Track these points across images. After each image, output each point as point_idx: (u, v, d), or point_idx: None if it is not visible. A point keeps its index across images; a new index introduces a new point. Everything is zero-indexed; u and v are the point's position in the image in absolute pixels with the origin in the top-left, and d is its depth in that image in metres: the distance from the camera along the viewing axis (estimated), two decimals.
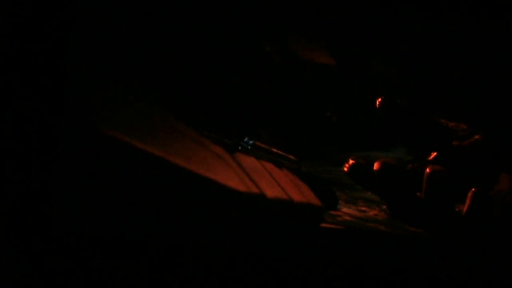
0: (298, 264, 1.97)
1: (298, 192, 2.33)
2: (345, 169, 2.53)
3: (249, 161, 2.04)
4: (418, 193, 2.55)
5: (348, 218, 3.03)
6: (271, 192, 2.01)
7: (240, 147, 2.66)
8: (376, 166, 2.40)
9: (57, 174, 1.47)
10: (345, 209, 3.26)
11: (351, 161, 2.52)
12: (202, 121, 3.05)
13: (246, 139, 2.87)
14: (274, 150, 3.11)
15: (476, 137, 2.78)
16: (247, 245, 1.84)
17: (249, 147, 2.83)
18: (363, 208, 3.42)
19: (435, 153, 2.84)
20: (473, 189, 2.54)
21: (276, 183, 2.14)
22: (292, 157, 3.31)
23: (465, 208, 2.54)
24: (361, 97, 4.04)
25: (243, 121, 4.05)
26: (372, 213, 3.35)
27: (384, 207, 3.11)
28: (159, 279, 1.67)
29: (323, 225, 2.60)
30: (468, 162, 2.81)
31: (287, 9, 4.19)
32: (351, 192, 3.55)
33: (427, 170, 2.47)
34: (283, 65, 4.43)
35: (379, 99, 2.70)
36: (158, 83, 2.90)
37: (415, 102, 2.83)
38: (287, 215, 2.11)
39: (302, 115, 4.27)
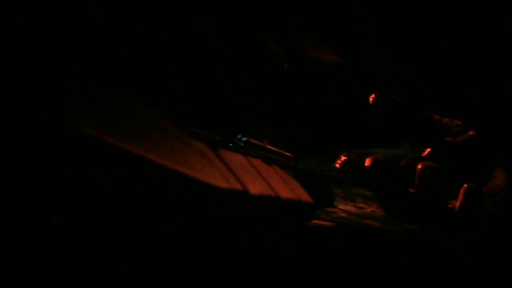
0: (283, 260, 1.97)
1: (286, 188, 2.33)
2: (337, 165, 2.53)
3: (235, 158, 2.04)
4: (411, 189, 2.55)
5: (343, 214, 3.03)
6: (255, 188, 2.01)
7: (231, 144, 2.67)
8: (367, 162, 2.40)
9: (36, 172, 1.47)
10: (342, 206, 3.26)
11: (343, 158, 2.52)
12: (197, 118, 3.06)
13: (239, 136, 2.87)
14: (269, 147, 3.11)
15: (471, 133, 2.77)
16: (232, 241, 1.84)
17: (242, 144, 2.83)
18: (361, 205, 3.42)
19: (429, 149, 2.83)
20: (465, 185, 2.53)
21: (263, 180, 2.14)
22: (288, 154, 3.31)
23: (458, 204, 2.54)
24: (366, 94, 4.04)
25: (244, 118, 4.06)
26: (369, 209, 3.35)
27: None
28: (140, 277, 1.67)
29: (315, 221, 2.60)
30: (462, 158, 2.80)
31: (293, 7, 4.19)
32: (349, 189, 3.55)
33: (419, 166, 2.47)
34: (288, 63, 4.44)
35: (373, 95, 2.70)
36: (149, 80, 2.91)
37: (408, 98, 2.82)
38: (273, 211, 2.10)
39: (305, 113, 4.27)
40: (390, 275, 2.27)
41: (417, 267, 2.40)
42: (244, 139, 2.91)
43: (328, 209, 3.17)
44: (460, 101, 3.43)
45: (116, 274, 1.81)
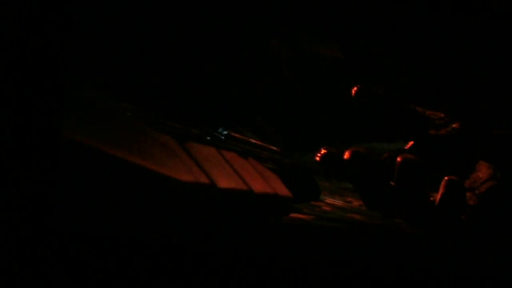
0: (254, 256, 1.95)
1: (262, 182, 2.31)
2: (317, 158, 2.51)
3: (205, 151, 2.02)
4: (392, 182, 2.52)
5: (328, 208, 3.02)
6: (225, 182, 1.98)
7: (209, 137, 2.65)
8: (346, 155, 2.38)
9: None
10: (329, 200, 3.25)
11: (323, 151, 2.50)
12: (177, 111, 3.05)
13: (220, 129, 2.85)
14: (253, 140, 3.09)
15: (454, 125, 2.75)
16: (199, 237, 1.82)
17: (223, 137, 2.82)
18: (349, 199, 3.40)
19: (412, 142, 2.81)
20: (446, 178, 2.51)
21: (235, 173, 2.12)
22: (274, 148, 3.30)
23: (438, 197, 2.51)
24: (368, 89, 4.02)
25: (236, 110, 4.05)
26: (357, 203, 3.33)
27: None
28: (101, 277, 1.65)
29: (293, 215, 2.58)
30: (445, 151, 2.78)
31: (294, 3, 4.18)
32: (339, 183, 3.53)
33: (398, 159, 2.45)
34: (288, 57, 4.42)
35: (355, 88, 2.67)
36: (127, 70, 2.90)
37: (392, 91, 2.80)
38: (245, 205, 2.08)
39: (305, 107, 4.25)
40: (365, 271, 2.25)
41: (397, 262, 2.38)
42: (225, 132, 2.90)
43: (314, 203, 3.16)
44: (445, 93, 3.40)
45: (83, 272, 1.79)
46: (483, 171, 2.73)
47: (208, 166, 2.00)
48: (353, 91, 2.78)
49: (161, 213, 1.82)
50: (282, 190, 2.48)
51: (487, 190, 2.65)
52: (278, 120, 4.20)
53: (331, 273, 2.08)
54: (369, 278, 2.13)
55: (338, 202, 3.14)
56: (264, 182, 2.35)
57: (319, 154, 2.64)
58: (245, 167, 2.29)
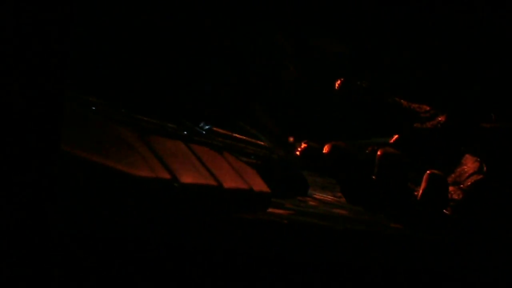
0: (218, 252, 1.92)
1: (235, 177, 2.28)
2: (297, 153, 2.47)
3: (170, 145, 1.99)
4: (373, 177, 2.48)
5: (314, 203, 2.97)
6: (189, 177, 1.95)
7: (186, 132, 2.62)
8: (325, 149, 2.33)
9: None
10: (318, 195, 3.20)
11: (303, 145, 2.45)
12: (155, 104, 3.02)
13: (201, 124, 2.82)
14: (237, 135, 3.06)
15: (440, 118, 2.69)
16: (160, 233, 1.79)
17: (204, 132, 2.78)
18: (339, 194, 3.34)
19: (396, 136, 2.76)
20: (428, 172, 2.46)
21: (203, 168, 2.09)
22: (262, 143, 3.26)
23: (420, 191, 2.46)
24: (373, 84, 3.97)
25: (233, 102, 4.02)
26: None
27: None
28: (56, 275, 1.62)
29: (270, 211, 2.54)
30: (431, 144, 2.73)
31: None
32: (331, 179, 3.47)
33: (378, 152, 2.40)
34: (293, 53, 4.39)
35: (338, 81, 2.63)
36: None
37: (376, 84, 2.75)
38: (212, 201, 2.05)
39: (308, 101, 4.21)
40: (332, 268, 2.21)
41: (370, 259, 2.33)
42: (207, 127, 2.86)
43: (301, 198, 3.11)
44: (431, 86, 3.35)
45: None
46: (469, 164, 2.68)
47: (172, 160, 1.97)
48: (337, 84, 2.73)
49: (121, 209, 1.78)
50: (259, 185, 2.44)
51: (472, 184, 2.60)
52: (280, 113, 4.16)
53: (296, 270, 2.04)
54: (334, 275, 2.08)
55: (327, 197, 3.10)
56: (238, 177, 2.32)
57: (299, 148, 2.60)
58: (217, 162, 2.26)
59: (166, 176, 1.83)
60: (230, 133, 2.94)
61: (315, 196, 3.16)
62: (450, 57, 3.37)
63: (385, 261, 2.29)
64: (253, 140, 3.12)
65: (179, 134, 2.39)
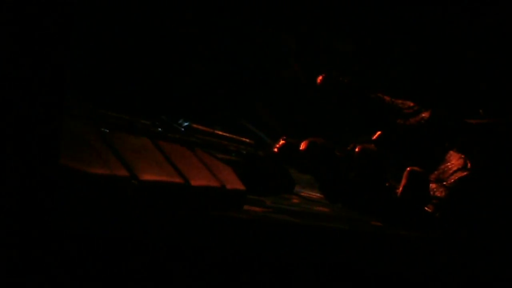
0: (184, 250, 1.87)
1: (206, 175, 2.23)
2: (275, 150, 2.42)
3: (133, 142, 1.95)
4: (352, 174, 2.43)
5: (297, 201, 2.93)
6: (151, 174, 1.91)
7: (160, 129, 2.58)
8: (302, 146, 2.29)
9: None
10: (305, 193, 3.15)
11: (281, 142, 2.41)
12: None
13: (180, 121, 2.78)
14: (219, 132, 3.01)
15: (423, 114, 2.64)
16: (116, 232, 1.75)
17: (182, 129, 2.74)
18: None
19: (379, 132, 2.71)
20: (408, 168, 2.40)
21: (170, 165, 2.05)
22: (247, 140, 3.21)
23: (400, 188, 2.41)
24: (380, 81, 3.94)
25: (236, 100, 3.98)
26: None
27: None
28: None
29: (252, 208, 2.50)
30: (414, 141, 2.67)
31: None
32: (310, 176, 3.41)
33: (356, 149, 2.35)
34: (299, 51, 4.35)
35: (320, 77, 2.58)
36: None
37: (359, 79, 2.70)
38: (178, 199, 2.00)
39: (309, 99, 4.17)
40: (298, 265, 2.16)
41: (338, 258, 2.29)
42: (186, 124, 2.82)
43: (286, 195, 3.07)
44: (415, 82, 3.30)
45: None
46: (453, 161, 2.62)
47: (133, 158, 1.93)
48: (318, 80, 2.68)
49: (76, 206, 1.74)
50: (233, 183, 2.39)
51: (456, 181, 2.54)
52: (282, 111, 4.12)
53: (262, 267, 1.99)
54: (305, 273, 2.04)
55: (313, 195, 3.05)
56: (209, 174, 2.27)
57: (277, 145, 2.55)
58: (186, 159, 2.22)
59: (124, 173, 1.78)
60: (211, 130, 2.89)
61: (301, 193, 3.11)
62: (438, 54, 3.31)
63: (360, 259, 2.23)
64: (238, 138, 3.07)
65: (150, 131, 2.34)
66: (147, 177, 1.94)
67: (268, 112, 4.30)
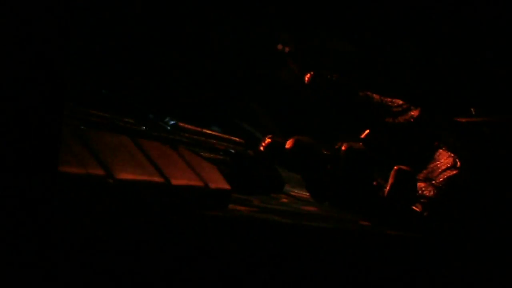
0: (160, 249, 1.85)
1: (189, 174, 2.20)
2: (261, 148, 2.39)
3: (111, 141, 1.92)
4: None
5: (286, 200, 2.90)
6: (129, 173, 1.88)
7: (145, 127, 2.55)
8: (288, 144, 2.26)
9: None
10: (295, 192, 3.12)
11: (267, 140, 2.38)
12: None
13: (167, 119, 2.75)
14: (208, 131, 2.99)
15: (412, 113, 2.60)
16: (92, 231, 1.72)
17: (168, 127, 2.71)
18: None
19: (367, 131, 2.68)
20: (395, 167, 2.37)
21: (149, 164, 2.02)
22: (238, 139, 3.18)
23: (387, 187, 2.38)
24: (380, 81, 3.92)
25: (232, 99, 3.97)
26: None
27: None
28: None
29: (238, 207, 2.47)
30: (403, 140, 2.64)
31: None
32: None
33: (342, 147, 2.32)
34: (297, 52, 4.32)
35: (308, 75, 2.55)
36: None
37: (348, 77, 2.67)
38: (157, 198, 1.98)
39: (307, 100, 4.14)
40: (279, 264, 2.13)
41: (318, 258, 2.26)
42: (172, 122, 2.79)
43: (274, 195, 3.04)
44: (404, 80, 3.26)
45: None
46: (442, 160, 2.59)
47: (110, 156, 1.90)
48: (307, 78, 2.65)
49: (54, 206, 1.72)
50: (217, 182, 2.36)
51: (445, 180, 2.51)
52: (278, 110, 4.10)
53: (244, 266, 1.96)
54: (277, 272, 2.00)
55: (304, 194, 3.02)
56: (192, 173, 2.25)
57: (263, 144, 2.52)
58: (168, 158, 2.19)
59: (99, 172, 1.75)
60: (199, 129, 2.86)
61: (291, 193, 3.08)
62: (429, 52, 3.29)
63: (344, 259, 2.20)
64: (228, 137, 3.04)
65: (132, 129, 2.31)
66: (124, 176, 1.91)
67: (265, 112, 4.28)
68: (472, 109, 2.72)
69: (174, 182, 2.09)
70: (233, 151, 2.90)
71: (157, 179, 2.03)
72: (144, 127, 2.35)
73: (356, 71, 3.72)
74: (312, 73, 2.50)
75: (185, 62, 3.88)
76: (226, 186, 2.41)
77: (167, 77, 3.73)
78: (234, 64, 4.04)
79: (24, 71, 1.55)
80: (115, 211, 1.86)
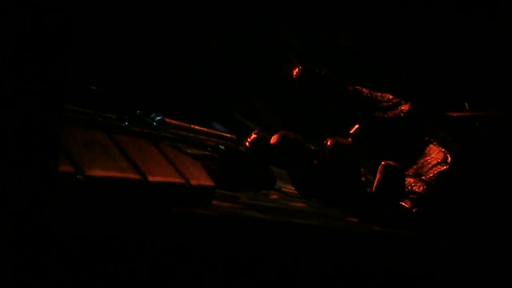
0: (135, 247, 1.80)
1: (168, 171, 2.16)
2: (247, 144, 2.35)
3: (85, 137, 1.89)
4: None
5: (275, 197, 2.85)
6: (100, 170, 1.84)
7: (127, 123, 2.50)
8: (273, 139, 2.21)
9: None
10: (287, 189, 3.08)
11: (253, 135, 2.33)
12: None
13: (153, 115, 2.71)
14: (196, 127, 2.94)
15: (402, 107, 2.55)
16: (62, 231, 1.68)
17: (154, 123, 2.67)
18: None
19: (357, 126, 2.62)
20: (383, 162, 2.32)
21: (125, 160, 1.98)
22: (229, 135, 3.14)
23: (375, 183, 2.33)
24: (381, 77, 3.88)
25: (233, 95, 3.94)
26: None
27: None
28: None
29: (224, 204, 2.43)
30: (393, 134, 2.58)
31: None
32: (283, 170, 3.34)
33: (328, 142, 2.26)
34: (299, 47, 4.29)
35: (296, 69, 2.50)
36: None
37: (337, 72, 2.61)
38: (132, 195, 1.93)
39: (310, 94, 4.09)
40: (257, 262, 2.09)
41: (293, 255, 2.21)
42: (158, 117, 2.75)
43: (264, 191, 2.99)
44: (394, 74, 3.21)
45: None
46: (432, 155, 2.53)
47: (82, 152, 1.87)
48: (295, 72, 2.60)
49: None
50: (200, 178, 2.32)
51: (435, 175, 2.45)
52: (281, 106, 4.07)
53: (222, 263, 1.92)
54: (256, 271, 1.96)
55: (293, 190, 2.96)
56: (172, 170, 2.21)
57: (248, 139, 2.47)
58: (147, 154, 2.15)
59: (68, 168, 1.71)
60: (188, 125, 2.82)
61: (283, 189, 3.02)
62: (423, 44, 3.24)
63: (327, 256, 2.15)
64: (219, 133, 2.99)
65: (112, 125, 2.27)
66: (95, 172, 1.86)
67: (267, 108, 4.25)
68: (466, 103, 2.65)
69: (151, 178, 2.05)
70: (223, 147, 2.84)
71: (132, 175, 1.98)
72: (126, 123, 2.29)
73: (359, 67, 3.67)
74: (299, 67, 2.45)
75: (183, 58, 3.84)
76: (209, 182, 2.36)
77: (164, 73, 3.69)
78: (234, 59, 4.00)
79: (24, 71, 1.53)
80: (84, 209, 1.80)
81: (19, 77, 1.53)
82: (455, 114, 2.56)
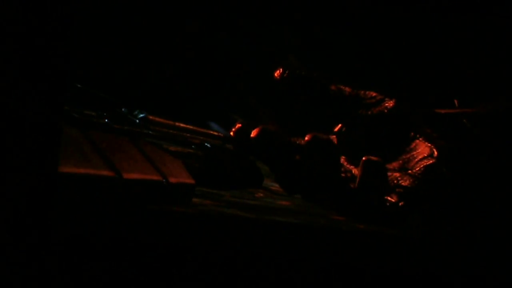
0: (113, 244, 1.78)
1: (145, 168, 2.13)
2: (232, 133, 2.32)
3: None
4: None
5: (261, 195, 2.82)
6: (73, 167, 1.81)
7: (107, 120, 2.48)
8: (253, 133, 2.18)
9: None
10: (275, 187, 3.05)
11: (237, 125, 2.30)
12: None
13: (136, 112, 2.68)
14: (181, 125, 2.91)
15: (386, 104, 2.52)
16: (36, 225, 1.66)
17: (137, 120, 2.64)
18: None
19: (340, 124, 2.60)
20: (364, 158, 2.29)
21: (100, 158, 1.95)
22: (216, 133, 3.11)
23: (357, 179, 2.30)
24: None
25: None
26: None
27: None
28: None
29: (206, 202, 2.40)
30: (377, 131, 2.56)
31: None
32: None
33: (306, 138, 2.24)
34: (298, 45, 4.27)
35: (277, 71, 2.47)
36: None
37: (318, 71, 2.59)
38: (106, 192, 1.91)
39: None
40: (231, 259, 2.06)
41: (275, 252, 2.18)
42: (142, 115, 2.72)
43: (251, 189, 2.96)
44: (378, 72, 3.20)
45: None
46: (419, 150, 2.50)
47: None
48: (276, 74, 2.57)
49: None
50: (180, 176, 2.29)
51: (421, 169, 2.42)
52: (276, 104, 4.05)
53: (198, 262, 1.89)
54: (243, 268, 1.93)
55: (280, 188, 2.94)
56: (150, 167, 2.17)
57: (233, 129, 2.45)
58: (123, 151, 2.12)
59: None
60: (172, 123, 2.79)
61: (270, 187, 3.00)
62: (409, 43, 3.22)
63: (308, 255, 2.12)
64: (206, 131, 2.97)
65: (89, 122, 2.24)
66: (68, 169, 1.84)
67: (263, 106, 4.22)
68: (455, 100, 2.63)
69: (126, 175, 2.02)
70: (208, 145, 2.82)
71: (105, 172, 1.95)
72: (106, 120, 2.26)
73: (358, 67, 3.65)
74: (280, 69, 2.42)
75: (178, 56, 3.83)
76: (190, 180, 2.33)
77: (157, 72, 3.67)
78: (232, 59, 3.99)
79: (23, 71, 1.54)
80: (56, 206, 1.78)
81: (19, 77, 1.53)
82: (443, 111, 2.53)
